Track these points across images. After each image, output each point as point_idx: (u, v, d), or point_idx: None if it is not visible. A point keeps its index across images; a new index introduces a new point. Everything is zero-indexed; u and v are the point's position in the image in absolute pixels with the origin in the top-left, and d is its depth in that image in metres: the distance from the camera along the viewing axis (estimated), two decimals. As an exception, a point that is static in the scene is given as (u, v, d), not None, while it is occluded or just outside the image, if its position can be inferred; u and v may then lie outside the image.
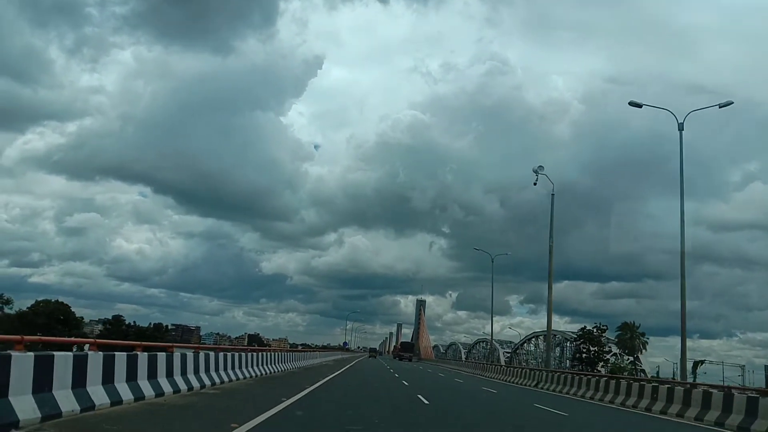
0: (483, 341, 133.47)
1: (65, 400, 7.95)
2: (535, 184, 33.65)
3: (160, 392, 10.95)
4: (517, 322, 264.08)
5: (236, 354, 18.14)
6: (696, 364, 66.02)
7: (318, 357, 43.25)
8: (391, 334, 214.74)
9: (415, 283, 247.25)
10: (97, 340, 11.38)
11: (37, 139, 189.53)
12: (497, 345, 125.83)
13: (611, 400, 22.17)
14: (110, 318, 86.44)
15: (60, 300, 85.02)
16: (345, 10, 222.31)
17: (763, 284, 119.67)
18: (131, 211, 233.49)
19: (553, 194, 33.20)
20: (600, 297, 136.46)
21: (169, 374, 11.75)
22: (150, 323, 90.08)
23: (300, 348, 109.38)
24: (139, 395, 10.08)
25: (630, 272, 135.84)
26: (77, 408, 8.16)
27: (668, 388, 19.34)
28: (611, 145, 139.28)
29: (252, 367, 20.59)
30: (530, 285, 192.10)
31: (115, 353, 9.69)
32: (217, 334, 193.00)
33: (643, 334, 66.97)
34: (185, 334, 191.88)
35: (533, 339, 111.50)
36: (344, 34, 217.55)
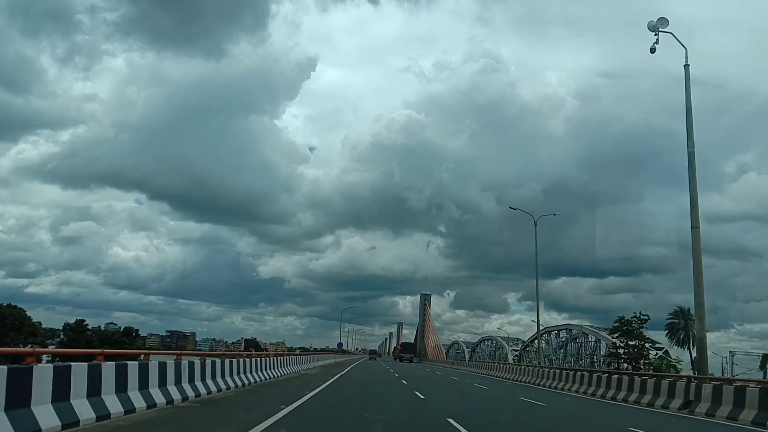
0: (488, 339, 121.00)
1: None
2: (652, 51, 19.03)
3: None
4: (515, 320, 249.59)
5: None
6: (766, 357, 51.49)
7: (294, 363, 28.12)
8: (391, 334, 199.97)
9: (413, 283, 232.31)
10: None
11: (31, 149, 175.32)
12: (504, 342, 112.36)
13: None
14: (71, 323, 70.81)
15: (13, 304, 69.55)
16: (337, 12, 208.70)
17: (760, 275, 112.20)
18: (127, 219, 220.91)
19: (686, 65, 18.66)
20: (598, 292, 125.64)
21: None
22: (120, 327, 74.66)
23: (298, 352, 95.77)
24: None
25: (627, 267, 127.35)
26: None
27: None
28: (606, 139, 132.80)
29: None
30: (529, 282, 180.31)
31: None
32: (213, 339, 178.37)
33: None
34: (180, 340, 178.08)
35: (545, 335, 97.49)
36: (336, 35, 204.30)
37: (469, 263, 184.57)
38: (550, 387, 27.15)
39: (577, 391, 23.51)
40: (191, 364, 12.58)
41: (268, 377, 20.93)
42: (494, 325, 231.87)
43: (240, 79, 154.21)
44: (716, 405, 14.31)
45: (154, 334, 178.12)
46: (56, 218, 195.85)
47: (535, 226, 35.04)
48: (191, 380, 13.10)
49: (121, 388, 8.85)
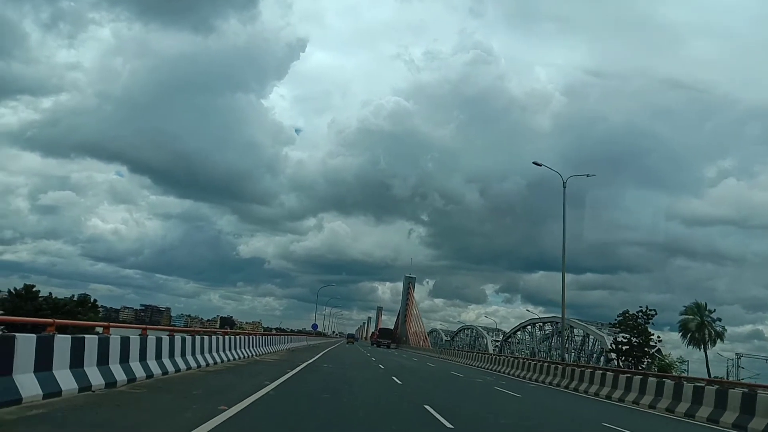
0: (468, 328, 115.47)
1: None
2: None
3: None
4: (492, 311, 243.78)
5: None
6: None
7: (250, 346, 20.34)
8: (369, 319, 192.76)
9: (393, 270, 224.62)
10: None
11: (11, 114, 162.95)
12: (484, 332, 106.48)
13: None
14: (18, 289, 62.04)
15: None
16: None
17: (733, 279, 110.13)
18: (107, 191, 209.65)
19: None
20: (574, 288, 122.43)
21: None
22: (73, 296, 66.05)
23: (274, 332, 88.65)
24: None
25: (604, 264, 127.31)
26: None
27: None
28: (590, 137, 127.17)
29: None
30: (506, 274, 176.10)
31: None
32: (188, 316, 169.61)
33: (715, 320, 45.66)
34: (154, 315, 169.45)
35: (528, 326, 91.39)
36: (328, 17, 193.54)
37: (450, 253, 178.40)
38: (592, 394, 19.87)
39: (638, 403, 16.27)
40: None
41: (200, 364, 13.30)
42: (471, 315, 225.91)
43: (228, 56, 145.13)
44: None
45: (128, 308, 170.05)
46: (35, 186, 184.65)
47: (564, 187, 27.76)
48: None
49: None
